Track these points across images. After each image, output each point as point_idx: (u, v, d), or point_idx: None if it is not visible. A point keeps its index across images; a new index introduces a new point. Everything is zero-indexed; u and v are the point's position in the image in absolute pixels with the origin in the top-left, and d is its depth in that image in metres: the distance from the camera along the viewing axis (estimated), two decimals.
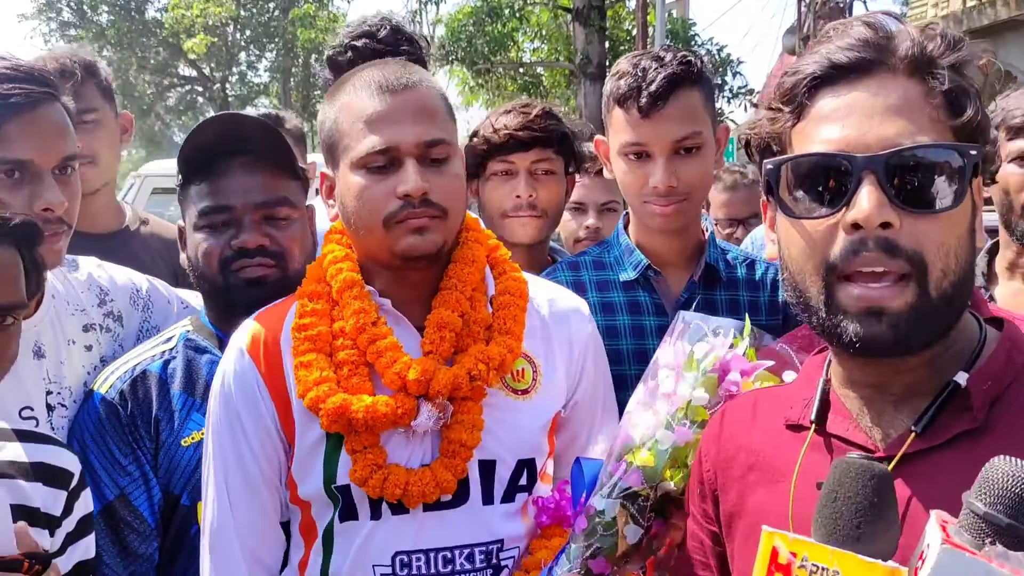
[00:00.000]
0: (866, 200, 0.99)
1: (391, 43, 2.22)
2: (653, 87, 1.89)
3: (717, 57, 16.94)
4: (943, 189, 1.01)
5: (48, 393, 1.80)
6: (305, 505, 1.57)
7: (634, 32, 15.43)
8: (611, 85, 2.00)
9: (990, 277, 2.32)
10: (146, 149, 28.25)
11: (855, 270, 1.01)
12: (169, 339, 1.87)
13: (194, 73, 27.74)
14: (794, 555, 0.92)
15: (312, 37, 21.67)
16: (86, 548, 1.58)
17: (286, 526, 1.62)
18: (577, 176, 2.54)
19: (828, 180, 1.03)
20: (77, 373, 1.85)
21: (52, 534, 1.50)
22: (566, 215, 2.89)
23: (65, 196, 1.71)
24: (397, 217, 1.49)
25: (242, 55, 27.96)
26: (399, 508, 1.51)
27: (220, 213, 1.79)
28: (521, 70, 18.68)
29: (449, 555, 1.51)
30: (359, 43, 2.20)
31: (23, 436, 1.55)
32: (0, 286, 1.40)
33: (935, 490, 0.98)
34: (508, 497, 1.56)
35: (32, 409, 1.75)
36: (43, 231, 1.51)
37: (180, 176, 1.86)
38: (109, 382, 1.80)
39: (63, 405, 1.81)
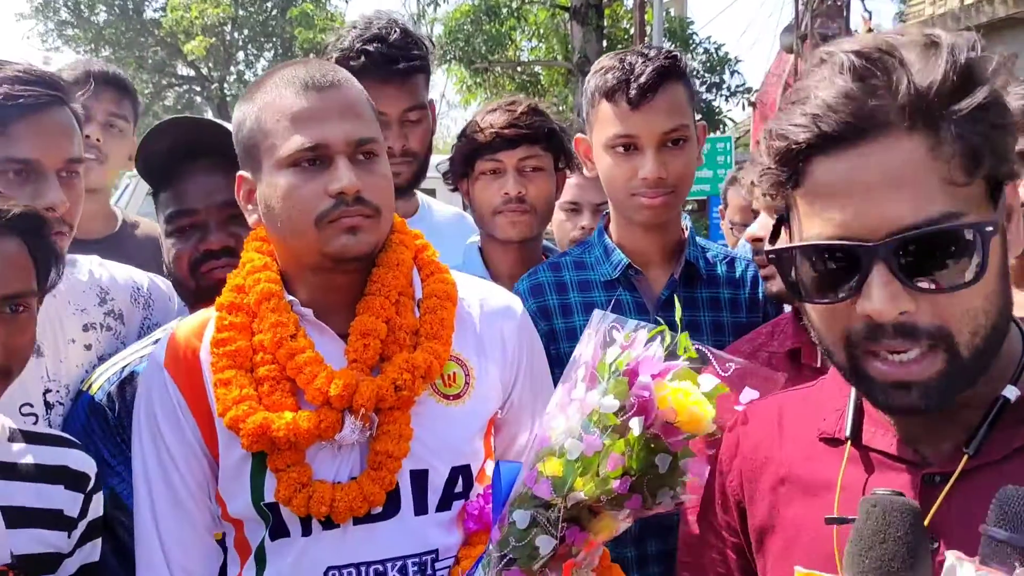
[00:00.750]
0: (877, 293, 0.92)
1: (402, 46, 2.30)
2: (643, 79, 1.92)
3: (715, 55, 16.94)
4: (964, 264, 0.93)
5: (47, 391, 1.83)
6: (237, 523, 1.55)
7: (632, 31, 15.43)
8: (596, 80, 2.03)
9: None
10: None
11: (875, 353, 0.96)
12: (157, 340, 1.87)
13: (192, 73, 27.71)
14: None
15: (310, 37, 21.65)
16: (92, 550, 1.59)
17: (223, 540, 1.60)
18: (572, 175, 2.55)
19: (837, 265, 0.96)
20: (75, 372, 1.88)
21: (69, 536, 1.52)
22: (561, 215, 2.91)
23: (68, 197, 1.74)
24: (330, 216, 1.44)
25: (240, 55, 27.93)
26: (329, 523, 1.47)
27: (185, 217, 1.83)
28: (519, 69, 18.67)
29: (381, 568, 1.48)
30: (371, 47, 2.27)
31: (43, 439, 1.57)
32: (4, 275, 1.41)
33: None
34: (444, 505, 1.52)
35: (32, 406, 1.78)
36: (48, 221, 1.53)
37: (150, 185, 1.88)
38: (98, 384, 1.81)
39: (61, 403, 1.84)
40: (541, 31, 18.27)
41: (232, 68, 27.65)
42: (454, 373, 1.56)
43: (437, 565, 1.51)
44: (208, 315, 1.58)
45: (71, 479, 1.54)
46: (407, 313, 1.54)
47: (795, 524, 1.10)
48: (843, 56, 0.93)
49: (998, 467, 0.98)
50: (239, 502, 1.50)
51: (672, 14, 17.45)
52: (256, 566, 1.52)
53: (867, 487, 0.99)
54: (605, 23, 16.16)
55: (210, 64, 26.62)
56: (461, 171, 2.42)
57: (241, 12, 25.69)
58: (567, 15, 16.06)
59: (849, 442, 1.07)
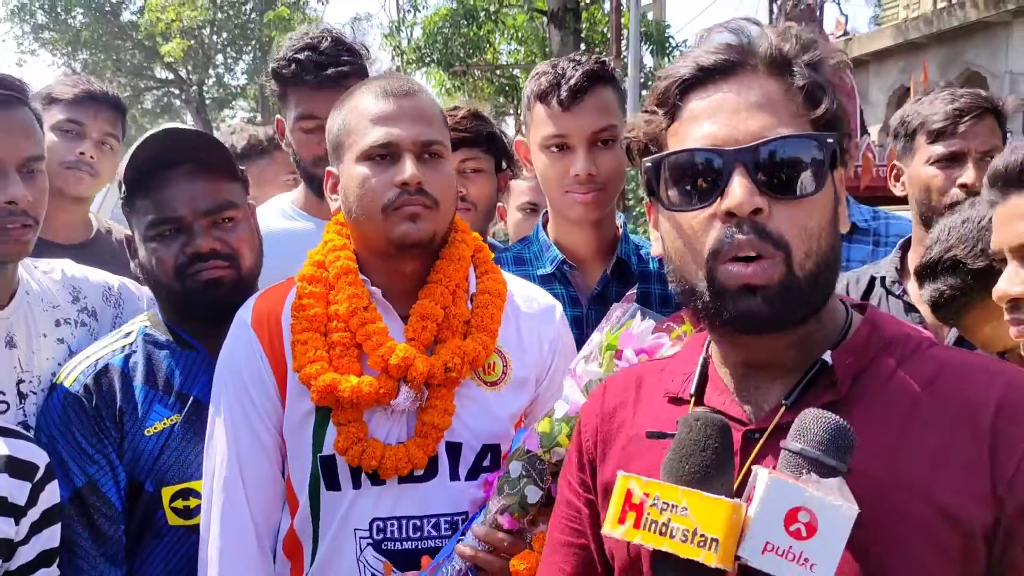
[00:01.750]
0: (738, 189, 1.07)
1: (332, 54, 2.40)
2: (572, 82, 2.05)
3: None
4: (805, 177, 1.09)
5: (20, 382, 1.90)
6: (292, 470, 1.72)
7: (609, 35, 15.54)
8: (531, 85, 2.15)
9: (903, 272, 2.42)
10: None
11: (732, 255, 1.08)
12: (128, 334, 1.95)
13: (170, 76, 27.61)
14: (647, 495, 1.00)
15: None
16: (50, 537, 1.65)
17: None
18: (531, 178, 2.66)
19: (702, 175, 1.11)
20: (47, 364, 1.96)
21: (17, 523, 1.58)
22: (519, 215, 3.03)
23: (29, 192, 1.78)
24: (394, 204, 1.65)
25: (219, 58, 27.86)
26: (377, 480, 1.67)
27: (169, 223, 1.87)
28: (497, 72, 18.75)
29: (419, 523, 1.68)
30: (302, 56, 2.38)
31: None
32: None
33: None
34: (473, 475, 1.72)
35: (4, 394, 1.85)
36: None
37: (122, 192, 1.93)
38: (73, 376, 1.87)
39: (34, 393, 1.91)
40: (519, 34, 18.36)
41: (210, 71, 27.59)
42: (494, 363, 1.76)
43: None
44: (289, 285, 1.77)
45: (14, 468, 1.59)
46: (461, 304, 1.75)
47: (635, 471, 1.20)
48: (725, 23, 1.17)
49: None
50: (300, 452, 1.69)
51: (650, 18, 17.57)
52: (311, 513, 1.70)
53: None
54: (583, 26, 16.26)
55: (188, 67, 26.54)
56: None
57: (219, 15, 25.63)
58: (545, 19, 16.15)
59: (692, 401, 1.20)
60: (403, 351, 1.65)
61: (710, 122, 1.11)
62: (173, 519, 1.84)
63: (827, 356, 1.12)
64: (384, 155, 1.67)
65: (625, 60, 14.03)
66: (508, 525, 1.57)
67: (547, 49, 16.02)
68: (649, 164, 1.16)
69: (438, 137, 1.71)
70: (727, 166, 1.08)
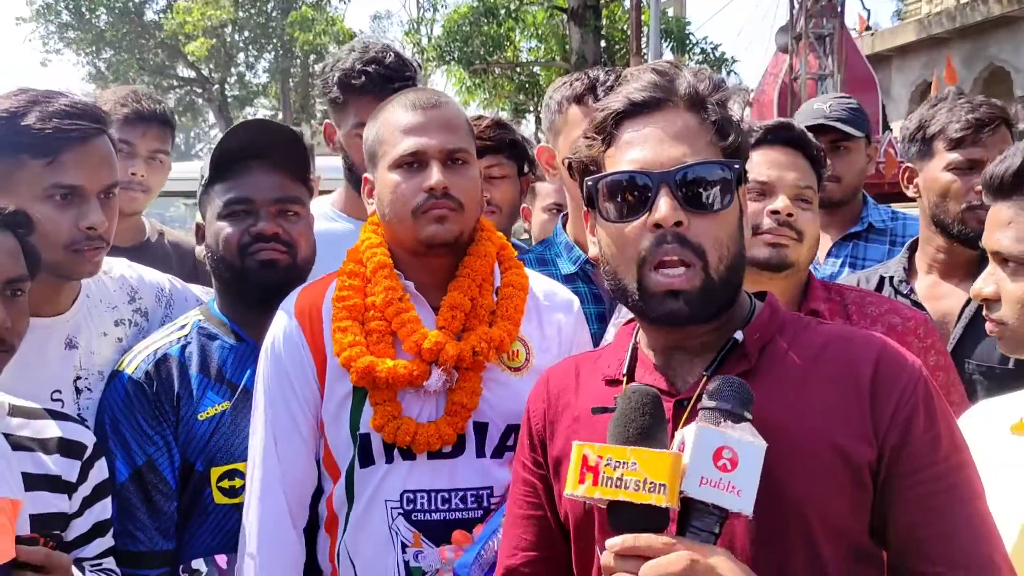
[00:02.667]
0: (663, 205, 1.28)
1: (397, 68, 2.62)
2: (609, 84, 2.15)
3: (712, 56, 17.05)
4: (717, 195, 1.31)
5: (77, 379, 2.03)
6: (329, 450, 1.86)
7: (629, 32, 15.54)
8: (564, 91, 2.26)
9: (911, 272, 2.51)
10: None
11: (659, 260, 1.29)
12: (183, 327, 2.10)
13: (193, 74, 27.84)
14: (600, 457, 1.18)
15: (310, 39, 21.78)
16: (102, 510, 1.82)
17: (319, 465, 1.89)
18: (557, 181, 2.75)
19: (634, 192, 1.32)
20: (105, 361, 2.08)
21: (70, 498, 1.73)
22: (544, 216, 3.14)
23: (106, 217, 1.94)
24: (423, 207, 1.80)
25: (240, 56, 28.06)
26: (408, 455, 1.80)
27: (241, 204, 2.05)
28: (518, 70, 18.80)
29: (447, 496, 1.81)
30: (370, 68, 2.58)
31: (50, 415, 1.78)
32: (14, 263, 1.64)
33: None
34: (498, 454, 1.85)
35: (61, 392, 1.99)
36: (31, 220, 1.73)
37: (204, 178, 2.11)
38: (135, 363, 2.02)
39: (89, 389, 2.04)
40: (539, 32, 18.39)
41: (232, 70, 27.79)
42: (518, 350, 1.90)
43: (491, 499, 1.83)
44: (329, 280, 1.93)
45: (65, 448, 1.75)
46: (488, 296, 1.89)
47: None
48: (651, 66, 1.40)
49: None
50: (339, 430, 1.83)
51: (671, 15, 17.55)
52: (346, 488, 1.84)
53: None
54: (603, 24, 16.27)
55: (211, 66, 26.75)
56: None
57: (241, 14, 25.82)
58: (565, 16, 16.17)
59: (625, 380, 1.39)
60: (435, 337, 1.80)
61: (640, 148, 1.33)
62: (219, 498, 1.97)
63: (738, 334, 1.35)
64: (413, 163, 1.82)
65: (645, 57, 14.04)
66: None
67: (567, 47, 16.05)
68: (591, 183, 1.38)
69: (463, 145, 1.86)
70: (654, 186, 1.30)
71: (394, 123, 1.86)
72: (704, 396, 1.24)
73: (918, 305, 2.36)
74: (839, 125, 2.99)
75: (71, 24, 26.80)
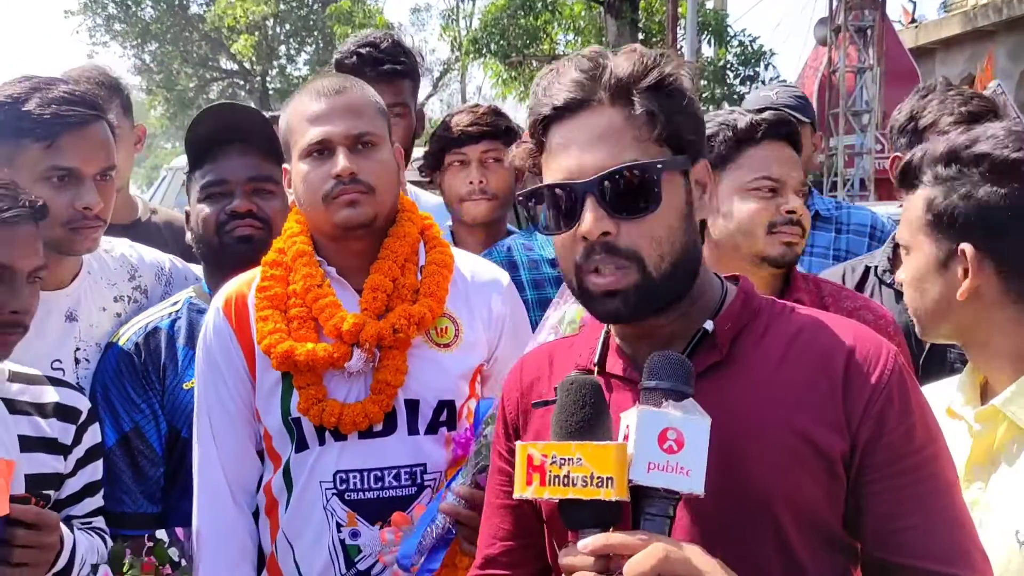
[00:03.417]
0: (587, 217, 1.25)
1: (391, 53, 2.74)
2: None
3: (750, 48, 16.90)
4: (645, 196, 1.25)
5: (76, 350, 2.16)
6: (268, 437, 1.92)
7: (666, 24, 15.46)
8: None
9: (895, 262, 2.49)
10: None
11: (592, 268, 1.27)
12: (176, 303, 2.22)
13: (235, 67, 28.19)
14: (545, 456, 1.15)
15: (348, 32, 21.94)
16: (93, 471, 1.92)
17: (261, 454, 1.94)
18: None
19: (562, 204, 1.29)
20: (104, 335, 2.21)
21: (65, 459, 1.84)
22: None
23: (102, 198, 2.04)
24: (332, 194, 1.83)
25: (282, 49, 28.35)
26: (339, 437, 1.84)
27: (217, 186, 2.17)
28: (554, 62, 18.77)
29: (379, 474, 1.84)
30: (363, 50, 2.72)
31: (48, 381, 1.90)
32: (34, 253, 1.76)
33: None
34: (431, 430, 1.88)
35: (61, 362, 2.12)
36: (47, 210, 1.84)
37: (189, 164, 2.22)
38: (127, 336, 2.15)
39: (87, 359, 2.17)
40: (576, 24, 18.36)
41: (274, 62, 28.09)
42: (446, 327, 1.93)
43: (425, 476, 1.86)
44: (255, 273, 1.97)
45: (62, 413, 1.87)
46: (410, 275, 1.91)
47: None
48: (575, 58, 1.32)
49: (698, 381, 1.24)
50: (272, 416, 1.88)
51: (709, 7, 17.41)
52: (283, 474, 1.89)
53: (610, 404, 1.23)
54: (639, 16, 16.21)
55: (253, 58, 27.06)
56: (433, 164, 2.79)
57: (282, 7, 26.07)
58: (602, 8, 16.13)
59: (596, 369, 1.37)
60: (353, 318, 1.82)
61: (564, 155, 1.28)
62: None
63: (708, 324, 1.31)
64: (320, 151, 1.84)
65: (681, 50, 13.96)
66: (485, 483, 1.70)
67: (604, 39, 16.01)
68: (520, 199, 1.37)
69: (370, 128, 1.87)
70: (579, 196, 1.26)
71: (301, 112, 1.88)
72: (644, 375, 1.21)
73: (901, 295, 2.36)
74: (786, 111, 3.00)
75: (117, 17, 27.27)
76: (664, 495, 1.14)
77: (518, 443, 1.20)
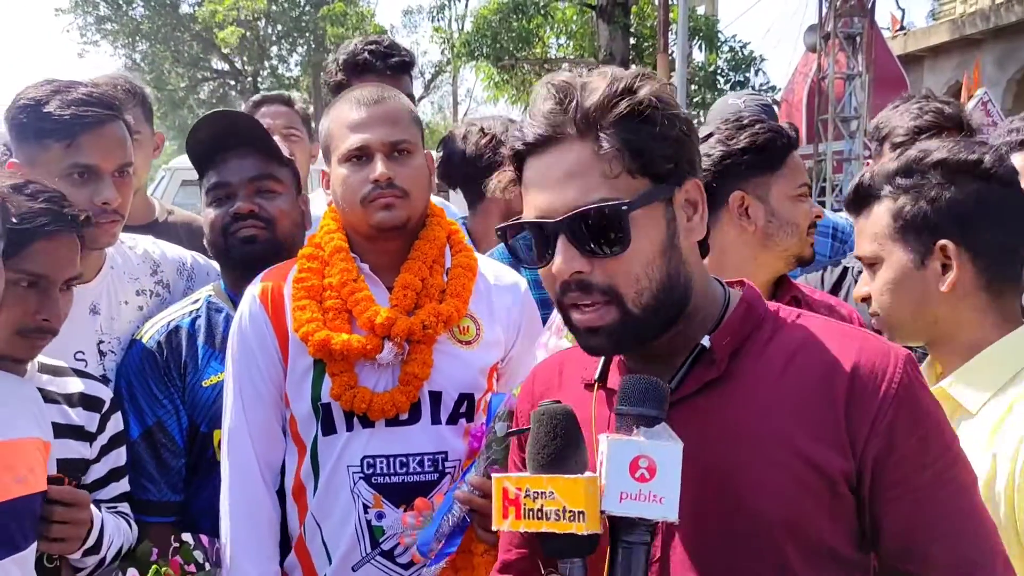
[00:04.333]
0: (558, 257, 1.22)
1: (395, 47, 3.03)
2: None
3: (740, 54, 17.02)
4: (615, 235, 1.21)
5: (100, 342, 2.26)
6: (294, 422, 2.02)
7: (658, 29, 15.55)
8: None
9: None
10: (178, 142, 28.75)
11: (570, 304, 1.25)
12: (196, 301, 2.30)
13: (226, 67, 28.14)
14: (519, 489, 1.15)
15: (341, 33, 21.96)
16: (117, 456, 2.05)
17: (285, 435, 2.05)
18: None
19: (537, 240, 1.26)
20: (126, 328, 2.31)
21: (91, 445, 1.96)
22: None
23: (120, 193, 2.14)
24: (370, 197, 1.96)
25: (273, 49, 28.30)
26: (367, 423, 1.95)
27: (221, 189, 2.25)
28: (546, 66, 18.85)
29: (404, 460, 1.96)
30: (372, 47, 2.98)
31: (73, 373, 2.00)
32: (72, 264, 1.85)
33: (692, 427, 1.20)
34: (452, 420, 2.01)
35: (84, 353, 2.22)
36: (92, 220, 1.95)
37: (197, 169, 2.31)
38: (149, 333, 2.24)
39: (113, 352, 2.27)
40: (568, 29, 18.44)
41: (265, 63, 28.04)
42: (468, 326, 2.05)
43: (446, 463, 1.97)
44: (291, 264, 2.08)
45: (87, 402, 1.98)
46: (437, 276, 2.04)
47: None
48: (550, 85, 1.27)
49: (691, 400, 1.25)
50: (302, 401, 1.98)
51: (700, 12, 17.50)
52: (311, 459, 1.99)
53: (610, 422, 1.23)
54: (631, 21, 16.30)
55: (244, 58, 27.03)
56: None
57: (274, 7, 26.05)
58: (594, 13, 16.21)
59: (597, 385, 1.36)
60: (387, 313, 1.94)
61: (537, 191, 1.26)
62: (220, 456, 2.13)
63: (705, 340, 1.28)
64: (359, 156, 1.97)
65: (672, 55, 14.05)
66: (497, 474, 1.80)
67: (596, 44, 16.09)
68: (498, 234, 1.33)
69: (406, 136, 2.00)
70: (551, 235, 1.23)
71: (341, 120, 2.01)
72: (617, 399, 1.19)
73: None
74: None
75: (108, 16, 27.19)
76: (638, 523, 1.14)
77: (493, 475, 1.21)
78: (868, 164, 2.74)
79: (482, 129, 2.93)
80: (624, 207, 1.21)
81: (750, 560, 1.21)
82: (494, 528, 1.19)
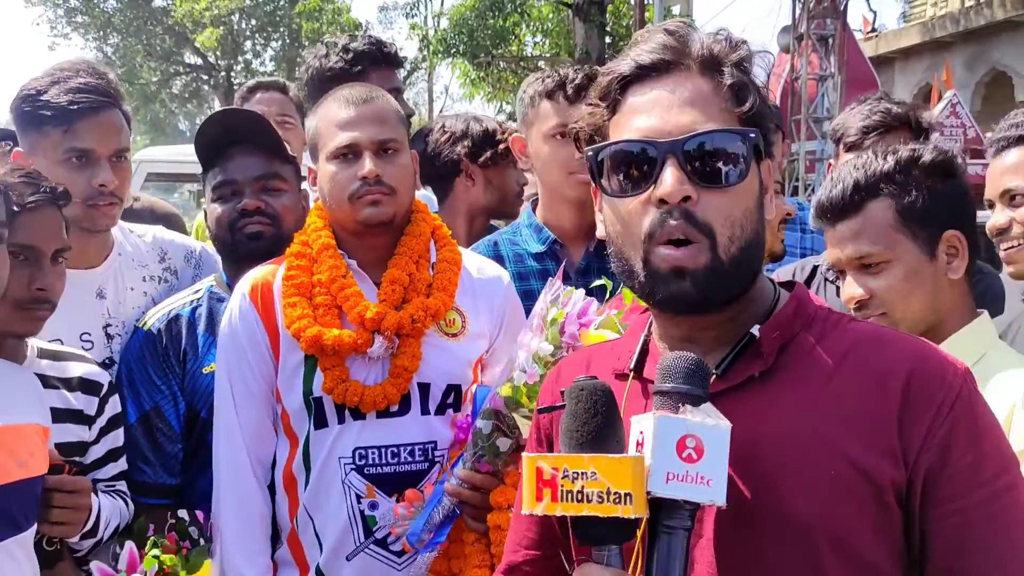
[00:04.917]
0: (669, 178, 1.16)
1: (384, 42, 3.12)
2: (577, 81, 2.38)
3: None
4: (730, 167, 1.18)
5: (108, 325, 2.34)
6: (286, 416, 2.06)
7: (633, 28, 15.63)
8: (536, 86, 2.47)
9: None
10: (151, 136, 28.48)
11: (665, 238, 1.17)
12: (198, 291, 2.36)
13: (199, 61, 27.88)
14: (556, 469, 1.06)
15: (316, 28, 21.86)
16: (115, 438, 2.12)
17: (276, 430, 2.10)
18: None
19: (638, 164, 1.20)
20: (132, 312, 2.38)
21: (90, 428, 2.06)
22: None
23: (116, 177, 2.22)
24: (358, 194, 2.00)
25: (247, 44, 28.09)
26: (358, 416, 2.00)
27: (227, 186, 2.31)
28: (522, 64, 18.88)
29: (395, 450, 2.01)
30: (369, 39, 3.07)
31: (72, 357, 2.06)
32: (57, 236, 1.90)
33: (736, 421, 1.12)
34: (440, 411, 2.06)
35: (90, 335, 2.29)
36: (70, 195, 1.98)
37: (201, 167, 2.37)
38: (151, 321, 2.29)
39: (119, 335, 2.35)
40: (544, 27, 18.49)
41: (239, 57, 27.82)
42: (454, 319, 2.10)
43: (436, 453, 2.03)
44: (280, 261, 2.11)
45: (86, 386, 2.04)
46: (424, 271, 2.09)
47: None
48: (662, 27, 1.28)
49: (736, 393, 1.20)
50: (293, 395, 2.02)
51: (675, 12, 17.60)
52: (303, 452, 2.03)
53: (645, 410, 1.16)
54: (607, 20, 16.37)
55: (217, 53, 26.79)
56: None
57: (248, 2, 25.85)
58: (570, 11, 16.26)
59: (632, 374, 1.30)
60: (376, 308, 1.99)
61: (646, 116, 1.21)
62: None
63: (755, 330, 1.22)
64: (348, 154, 2.01)
65: None
66: (484, 469, 1.90)
67: (572, 42, 16.14)
68: (591, 153, 1.26)
69: (393, 135, 2.05)
70: (660, 156, 1.17)
71: (330, 118, 2.05)
72: (657, 378, 1.14)
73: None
74: None
75: (79, 9, 26.85)
76: (684, 506, 1.07)
77: (525, 455, 1.12)
78: (830, 165, 2.81)
79: (443, 127, 3.02)
80: (752, 135, 1.20)
81: (784, 566, 1.14)
82: (524, 512, 1.10)
